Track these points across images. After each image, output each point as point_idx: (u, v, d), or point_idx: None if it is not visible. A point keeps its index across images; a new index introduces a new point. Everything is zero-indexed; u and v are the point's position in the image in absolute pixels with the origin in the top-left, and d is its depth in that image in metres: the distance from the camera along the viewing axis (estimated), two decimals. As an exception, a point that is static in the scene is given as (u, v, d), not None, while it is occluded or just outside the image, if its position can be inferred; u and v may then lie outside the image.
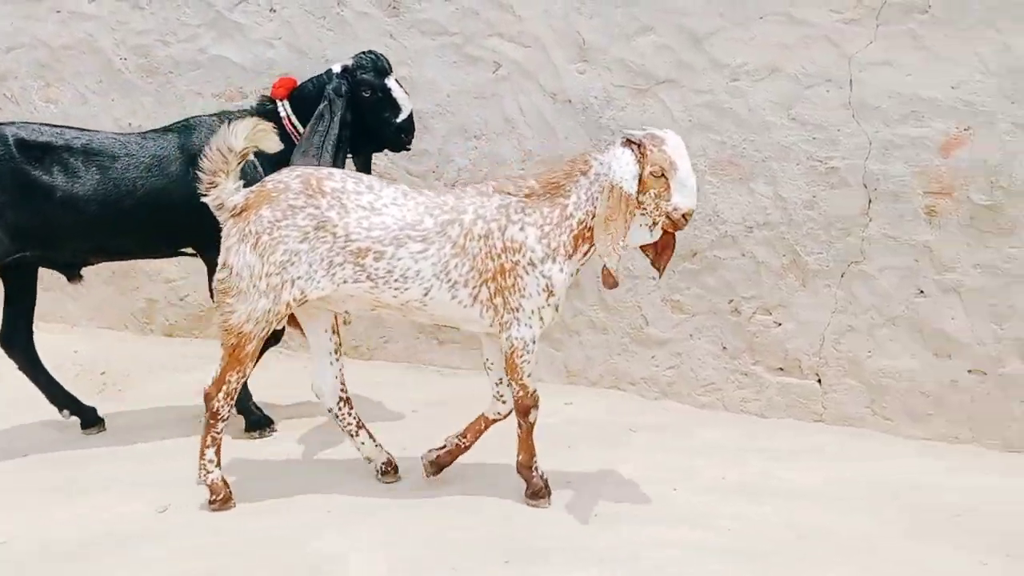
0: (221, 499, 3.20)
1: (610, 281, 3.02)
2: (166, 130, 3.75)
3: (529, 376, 3.13)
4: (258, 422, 3.84)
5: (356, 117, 3.63)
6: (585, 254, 3.09)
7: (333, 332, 3.30)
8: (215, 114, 3.79)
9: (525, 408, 3.16)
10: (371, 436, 3.38)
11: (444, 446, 3.33)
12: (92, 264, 3.82)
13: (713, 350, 4.06)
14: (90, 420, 3.91)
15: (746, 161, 3.91)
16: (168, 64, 4.80)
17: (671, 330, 4.11)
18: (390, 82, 3.66)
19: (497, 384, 3.26)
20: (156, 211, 3.58)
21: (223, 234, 3.09)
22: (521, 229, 3.04)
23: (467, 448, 3.32)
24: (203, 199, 3.08)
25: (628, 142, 2.98)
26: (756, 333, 3.99)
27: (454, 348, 4.48)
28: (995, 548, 2.95)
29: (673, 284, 4.08)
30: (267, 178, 3.14)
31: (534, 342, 3.10)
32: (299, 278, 3.02)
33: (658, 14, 3.96)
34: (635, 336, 4.17)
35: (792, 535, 3.04)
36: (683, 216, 2.98)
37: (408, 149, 3.79)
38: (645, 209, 2.99)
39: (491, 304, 3.07)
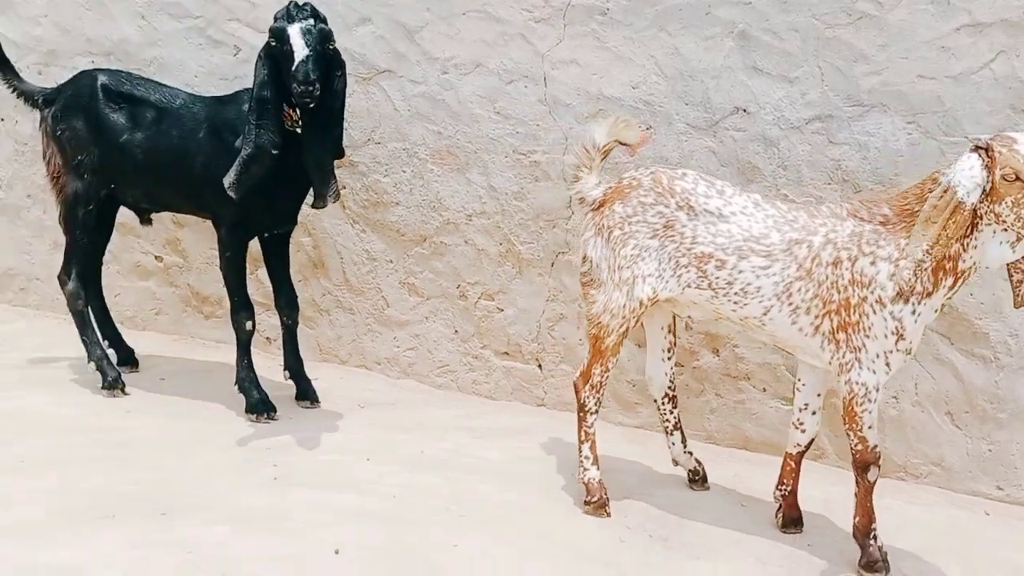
0: (596, 502, 3.15)
1: (905, 293, 2.72)
2: (217, 99, 3.83)
3: (871, 428, 2.84)
4: (256, 405, 3.82)
5: (278, 72, 3.38)
6: (950, 288, 2.73)
7: (670, 331, 3.27)
8: (248, 90, 3.60)
9: (864, 463, 2.87)
10: (684, 441, 3.37)
11: (778, 505, 3.18)
12: (151, 211, 4.05)
13: (447, 333, 4.20)
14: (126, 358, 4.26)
15: (461, 151, 3.97)
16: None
17: (409, 312, 4.25)
18: (291, 28, 3.32)
19: (801, 410, 3.08)
20: (181, 171, 3.70)
21: (583, 226, 3.14)
22: (872, 263, 2.75)
23: (794, 491, 3.15)
24: (568, 192, 3.20)
25: (975, 147, 2.59)
26: (482, 318, 4.12)
27: (218, 322, 4.64)
28: (635, 527, 3.13)
29: (408, 267, 4.19)
30: (624, 175, 3.15)
31: (877, 390, 2.81)
32: (650, 275, 3.00)
33: (374, 6, 3.98)
34: (378, 317, 4.32)
35: (448, 504, 3.20)
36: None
37: (308, 104, 3.32)
38: (1004, 221, 2.58)
39: (833, 338, 2.84)
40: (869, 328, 2.75)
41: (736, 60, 3.48)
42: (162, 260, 4.70)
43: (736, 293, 2.90)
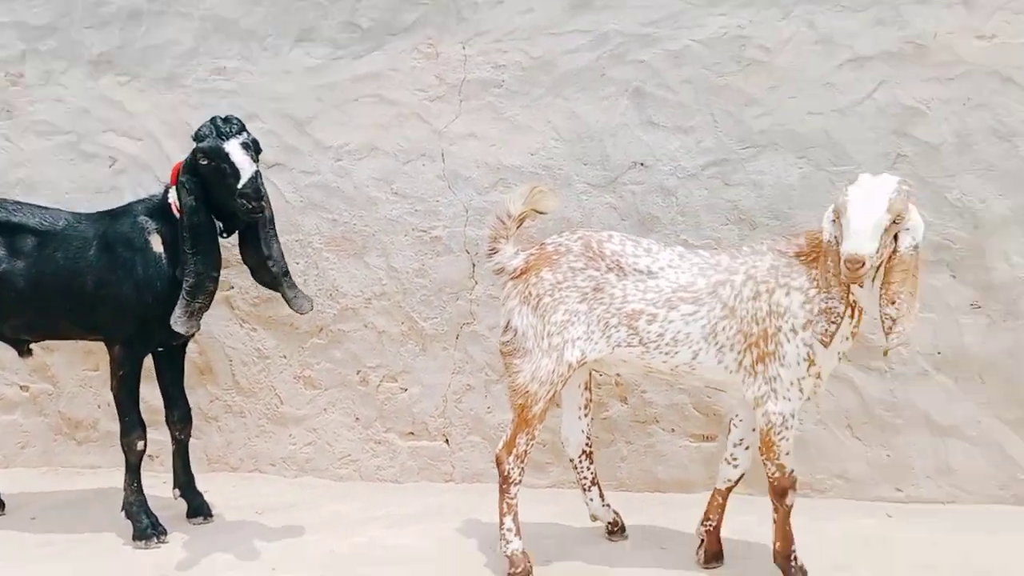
0: (521, 573, 3.08)
1: (826, 342, 2.80)
2: (105, 213, 3.62)
3: (787, 455, 2.93)
4: (144, 531, 3.54)
5: (207, 191, 3.31)
6: (851, 318, 2.84)
7: (586, 388, 3.30)
8: (141, 201, 3.59)
9: (782, 490, 2.95)
10: (601, 495, 3.38)
11: (700, 541, 3.20)
12: (32, 342, 3.76)
13: (347, 422, 4.11)
14: None
15: (358, 236, 4.03)
16: None
17: (306, 406, 4.14)
18: (229, 145, 3.26)
19: (736, 445, 3.12)
20: (71, 294, 3.49)
21: (503, 296, 3.12)
22: (787, 293, 2.86)
23: (719, 527, 3.19)
24: (487, 264, 3.16)
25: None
26: (385, 401, 4.07)
27: (92, 447, 4.32)
28: None
29: (304, 360, 4.12)
30: (547, 240, 3.16)
31: (793, 416, 2.91)
32: (579, 339, 3.01)
33: (260, 101, 4.05)
34: (272, 416, 4.17)
35: None
36: (845, 262, 2.64)
37: (256, 219, 3.31)
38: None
39: (753, 371, 2.92)
40: (783, 357, 2.86)
41: (632, 117, 3.74)
42: (28, 389, 4.36)
43: (667, 343, 2.97)
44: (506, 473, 3.10)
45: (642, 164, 3.77)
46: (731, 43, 3.67)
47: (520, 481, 3.13)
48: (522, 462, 3.10)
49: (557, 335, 3.01)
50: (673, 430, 3.82)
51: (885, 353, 2.81)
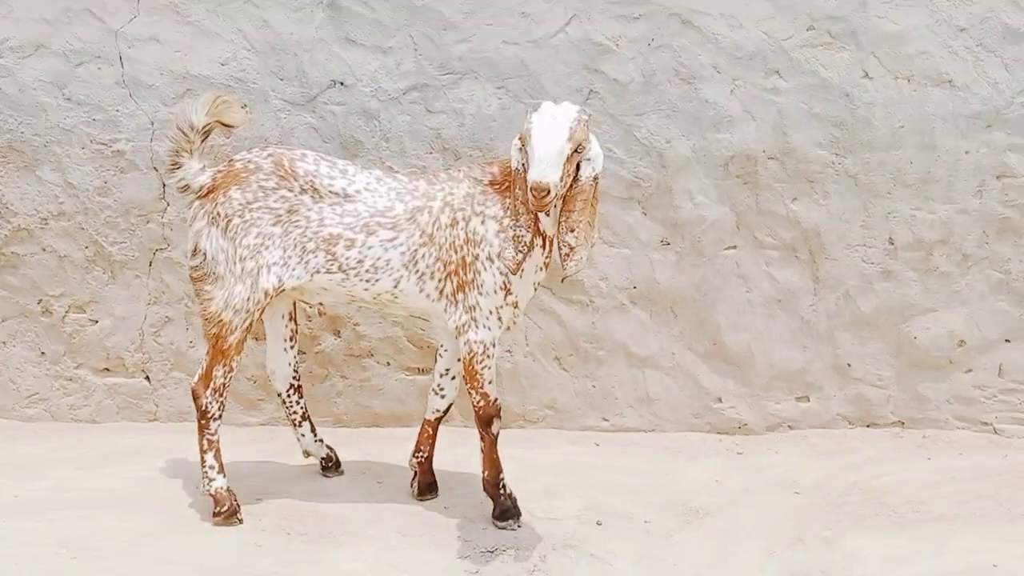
0: (227, 511, 2.96)
1: (514, 269, 2.79)
2: None
3: (490, 383, 2.92)
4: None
5: None
6: (542, 247, 2.83)
7: (290, 319, 3.14)
8: None
9: (487, 418, 2.94)
10: (313, 430, 3.26)
11: (413, 474, 3.16)
12: None
13: (32, 357, 3.72)
14: None
15: (27, 146, 3.53)
16: None
17: (-19, 338, 3.71)
18: None
19: (441, 376, 3.09)
20: None
21: (190, 216, 2.93)
22: (482, 222, 2.82)
23: (430, 458, 3.16)
24: (168, 180, 2.95)
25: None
26: (73, 334, 3.69)
27: None
28: (272, 529, 3.00)
29: (-25, 287, 3.65)
30: (236, 156, 2.97)
31: (494, 345, 2.90)
32: (275, 264, 2.86)
33: None
34: (-60, 350, 3.72)
35: (56, 549, 2.86)
36: (531, 190, 2.60)
37: None
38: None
39: (454, 299, 2.88)
40: (482, 285, 2.85)
41: (329, 32, 3.43)
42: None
43: (367, 270, 2.89)
44: (204, 407, 2.99)
45: (342, 83, 3.48)
46: (428, -40, 3.38)
47: (220, 416, 3.01)
48: (221, 395, 2.98)
49: (250, 259, 2.87)
50: (388, 364, 3.68)
51: (563, 280, 2.86)
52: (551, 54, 3.45)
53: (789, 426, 3.71)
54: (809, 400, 3.71)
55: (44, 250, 3.61)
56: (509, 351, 3.64)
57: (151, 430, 3.71)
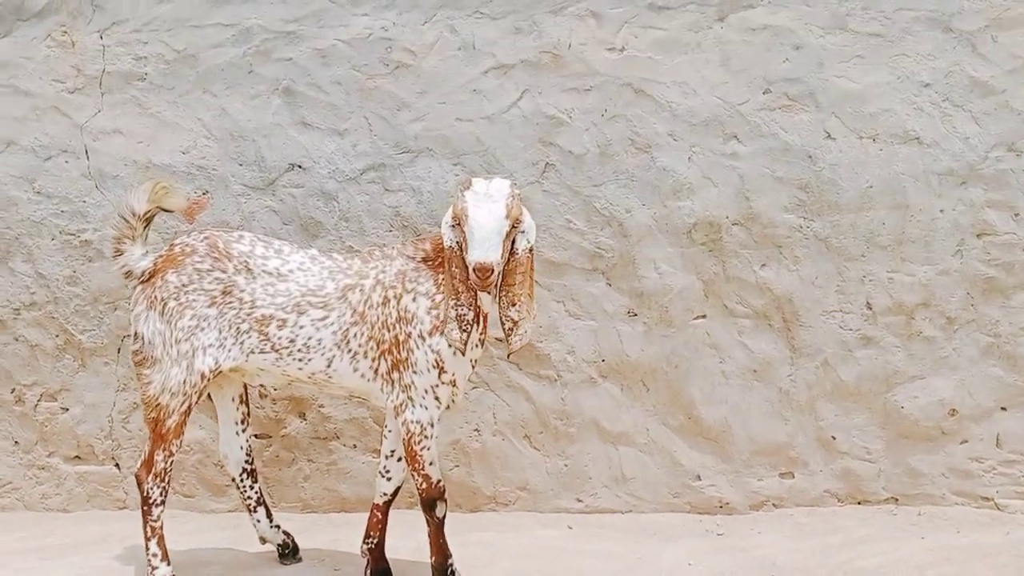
0: None
1: (461, 349, 2.74)
2: None
3: (431, 464, 2.85)
4: None
5: None
6: (478, 325, 2.77)
7: (241, 402, 3.11)
8: None
9: (430, 500, 2.87)
10: (269, 516, 3.20)
11: (366, 561, 3.06)
12: None
13: (5, 446, 3.73)
14: None
15: (1, 240, 3.61)
16: None
17: (-43, 430, 3.74)
18: None
19: (388, 457, 3.01)
20: None
21: (132, 301, 2.94)
22: (414, 299, 2.79)
23: (381, 544, 3.05)
24: (112, 267, 2.94)
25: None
26: (45, 422, 3.70)
27: None
28: None
29: (-49, 379, 3.70)
30: (175, 241, 2.98)
31: (432, 425, 2.83)
32: (210, 345, 2.85)
33: None
34: (-83, 443, 3.76)
35: None
36: (475, 271, 2.58)
37: None
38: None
39: (389, 379, 2.83)
40: (415, 364, 2.79)
41: (285, 117, 3.49)
42: None
43: (299, 350, 2.86)
44: (146, 494, 2.94)
45: (299, 166, 3.50)
46: (377, 44, 3.46)
47: (163, 502, 2.95)
48: (163, 481, 2.94)
49: (186, 341, 2.86)
50: (355, 446, 3.62)
51: (508, 356, 2.80)
52: (505, 129, 3.45)
53: (774, 504, 3.54)
54: (794, 476, 3.53)
55: (17, 339, 3.66)
56: (477, 430, 3.55)
57: (120, 518, 3.66)
